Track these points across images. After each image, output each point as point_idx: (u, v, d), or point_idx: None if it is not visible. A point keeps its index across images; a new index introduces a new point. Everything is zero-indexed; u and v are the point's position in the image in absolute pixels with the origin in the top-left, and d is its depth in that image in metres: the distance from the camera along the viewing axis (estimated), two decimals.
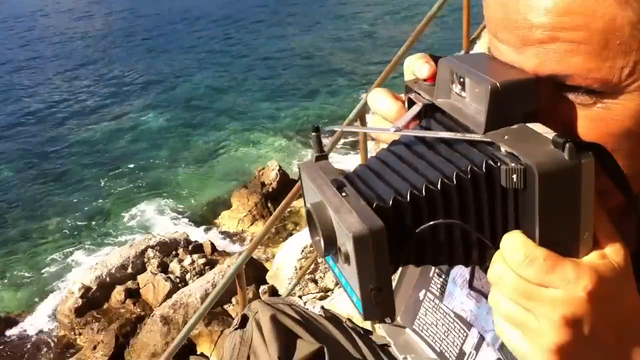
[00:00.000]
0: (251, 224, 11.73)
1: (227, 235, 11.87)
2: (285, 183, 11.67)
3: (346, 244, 0.66)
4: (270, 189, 11.86)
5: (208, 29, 24.73)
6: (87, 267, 10.99)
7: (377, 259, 0.66)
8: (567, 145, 0.65)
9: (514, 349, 0.73)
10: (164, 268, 10.30)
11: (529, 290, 0.68)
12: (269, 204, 11.66)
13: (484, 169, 0.70)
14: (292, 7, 25.33)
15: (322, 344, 1.39)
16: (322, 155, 0.78)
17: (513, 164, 0.68)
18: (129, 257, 10.50)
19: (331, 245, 0.69)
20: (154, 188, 13.95)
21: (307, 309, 1.48)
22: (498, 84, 0.72)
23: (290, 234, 10.02)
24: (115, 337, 9.51)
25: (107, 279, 10.29)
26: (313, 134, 0.78)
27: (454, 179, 0.71)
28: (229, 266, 8.85)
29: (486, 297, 0.99)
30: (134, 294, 10.16)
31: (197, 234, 11.85)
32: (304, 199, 0.79)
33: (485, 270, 0.75)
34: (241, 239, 11.57)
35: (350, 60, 19.37)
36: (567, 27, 0.71)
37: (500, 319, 0.73)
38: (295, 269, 7.96)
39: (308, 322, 1.45)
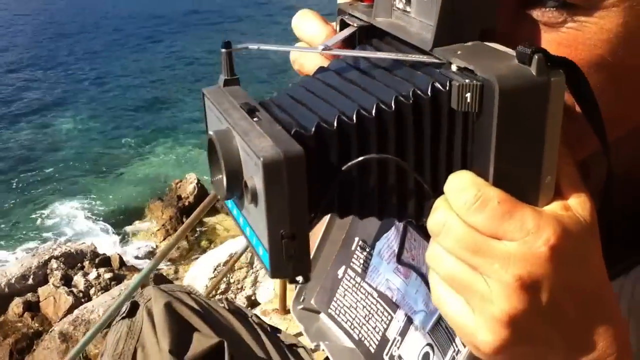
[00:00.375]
0: (164, 239, 11.39)
1: (137, 248, 11.48)
2: (203, 197, 11.36)
3: (254, 177, 0.54)
4: (187, 203, 11.59)
5: (134, 33, 24.28)
6: None
7: (292, 195, 0.53)
8: (536, 57, 0.54)
9: (453, 320, 0.59)
10: (67, 281, 9.82)
11: (477, 243, 0.55)
12: (184, 219, 11.34)
13: (429, 92, 0.58)
14: (225, 13, 25.22)
15: (221, 338, 1.21)
16: (232, 79, 0.65)
17: (467, 80, 0.55)
18: (30, 268, 9.97)
19: (235, 182, 0.57)
20: (67, 193, 13.42)
21: (208, 299, 1.31)
22: None
23: (204, 252, 9.76)
24: (10, 352, 8.95)
25: (6, 290, 9.71)
26: (222, 51, 0.64)
27: (392, 104, 0.59)
28: None
29: (417, 271, 0.84)
30: (33, 307, 9.63)
31: (106, 245, 11.43)
32: (207, 130, 0.65)
33: (421, 228, 0.66)
34: (153, 253, 11.19)
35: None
36: None
37: (440, 283, 0.59)
38: (206, 287, 7.74)
39: (208, 313, 1.27)
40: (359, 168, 0.59)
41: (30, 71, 20.46)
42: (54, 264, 9.88)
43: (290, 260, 0.55)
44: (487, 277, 0.55)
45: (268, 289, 6.75)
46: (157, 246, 11.38)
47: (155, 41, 23.01)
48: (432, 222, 0.57)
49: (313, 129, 0.57)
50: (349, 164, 0.58)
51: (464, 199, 0.55)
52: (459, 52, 0.59)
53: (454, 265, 0.56)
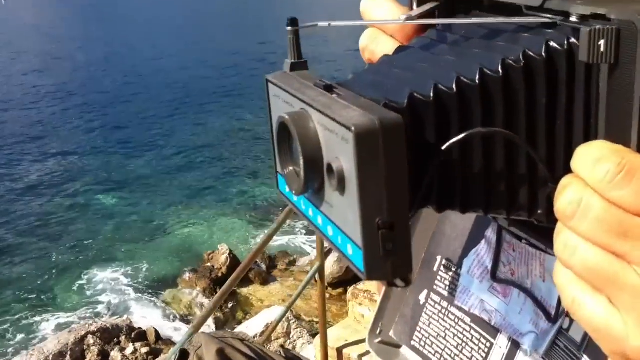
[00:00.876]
0: (199, 310, 11.26)
1: (172, 321, 11.37)
2: (236, 268, 11.29)
3: (341, 157, 0.45)
4: (220, 274, 11.52)
5: (159, 107, 24.76)
6: (24, 354, 10.28)
7: (390, 173, 0.43)
8: None
9: (594, 324, 0.47)
10: (104, 357, 9.74)
11: (624, 223, 0.44)
12: (218, 290, 11.25)
13: (543, 52, 0.50)
14: (249, 87, 25.65)
15: None
16: (300, 63, 0.56)
17: (599, 26, 0.45)
18: (67, 344, 9.89)
19: (315, 169, 0.48)
20: (101, 264, 13.44)
21: (264, 346, 1.20)
22: None
23: (240, 323, 9.65)
24: None
25: None
26: (289, 29, 0.56)
27: (500, 69, 0.50)
28: None
29: (519, 287, 0.73)
30: None
31: (141, 319, 11.32)
32: (270, 119, 0.57)
33: (537, 222, 0.54)
34: (188, 325, 11.05)
35: None
36: None
37: (573, 280, 0.48)
38: None
39: None
40: (461, 147, 0.50)
41: (54, 145, 20.91)
42: (90, 339, 9.81)
43: (388, 257, 0.45)
44: (639, 267, 0.45)
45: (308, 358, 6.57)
46: (191, 318, 11.27)
47: (180, 116, 23.42)
48: (563, 203, 0.47)
49: (406, 101, 0.49)
50: (451, 141, 0.49)
51: (604, 169, 0.45)
52: (578, 2, 0.49)
53: (594, 254, 0.46)
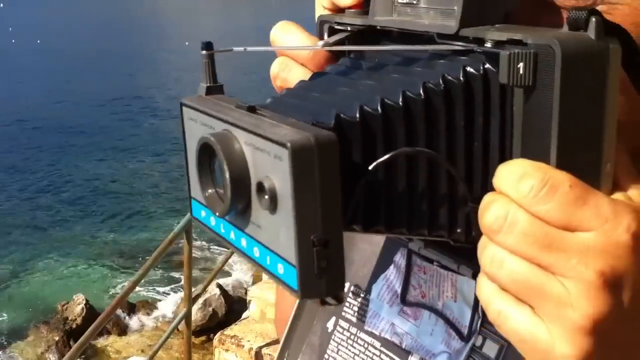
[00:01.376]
0: None
1: None
2: (93, 319, 10.76)
3: (272, 176, 0.45)
4: (75, 325, 10.91)
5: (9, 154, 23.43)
6: None
7: (324, 190, 0.44)
8: (593, 20, 0.48)
9: (521, 335, 0.49)
10: None
11: (548, 236, 0.47)
12: (72, 343, 10.63)
13: (461, 76, 0.53)
14: (105, 131, 24.87)
15: None
16: (216, 87, 0.57)
17: (517, 50, 0.48)
18: None
19: (241, 189, 0.48)
20: None
21: None
22: None
23: None
24: None
25: None
26: (203, 53, 0.56)
27: (421, 92, 0.52)
28: None
29: (430, 309, 0.75)
30: None
31: None
32: (186, 144, 0.56)
33: (454, 241, 0.56)
34: None
35: (168, 188, 19.15)
36: None
37: (498, 293, 0.49)
38: None
39: None
40: (386, 167, 0.51)
41: None
42: None
43: (322, 274, 0.45)
44: (563, 277, 0.47)
45: None
46: None
47: (37, 160, 22.34)
48: (489, 218, 0.48)
49: (333, 122, 0.49)
50: (377, 161, 0.51)
51: (528, 185, 0.47)
52: (492, 29, 0.53)
53: (520, 266, 0.47)
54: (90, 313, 11.04)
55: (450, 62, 0.55)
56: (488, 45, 0.52)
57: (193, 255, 5.69)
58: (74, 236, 15.56)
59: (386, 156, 0.51)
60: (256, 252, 0.50)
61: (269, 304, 5.64)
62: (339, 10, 0.69)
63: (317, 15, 0.72)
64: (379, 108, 0.51)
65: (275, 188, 0.45)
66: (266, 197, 0.46)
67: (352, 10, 0.67)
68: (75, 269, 13.99)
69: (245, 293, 9.58)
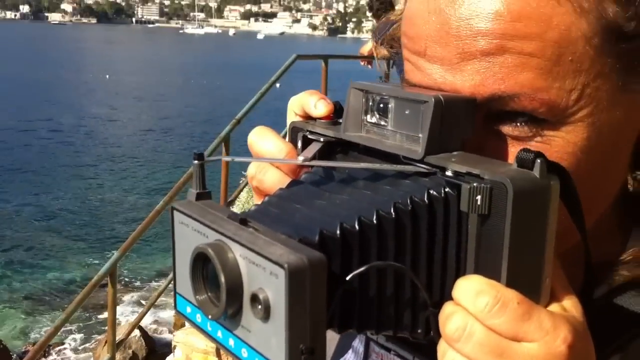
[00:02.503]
0: None
1: None
2: None
3: (267, 289, 0.50)
4: None
5: None
6: None
7: (314, 306, 0.50)
8: (538, 161, 0.57)
9: None
10: None
11: (500, 346, 0.55)
12: None
13: (425, 199, 0.60)
14: (20, 173, 23.94)
15: None
16: (204, 193, 0.62)
17: (475, 183, 0.58)
18: None
19: (234, 297, 0.53)
20: None
21: None
22: (442, 99, 0.62)
23: None
24: None
25: None
26: (195, 162, 0.61)
27: (392, 212, 0.59)
28: None
29: None
30: None
31: None
32: (174, 249, 0.61)
33: (414, 338, 0.64)
34: None
35: (97, 223, 18.63)
36: (519, 35, 0.62)
37: None
38: None
39: None
40: (360, 277, 0.57)
41: None
42: None
43: None
44: None
45: None
46: None
47: None
48: (451, 328, 0.56)
49: (317, 237, 0.55)
50: (354, 273, 0.56)
51: (483, 301, 0.55)
52: (453, 160, 0.61)
53: None
54: (4, 356, 10.60)
55: (415, 182, 0.62)
56: (449, 173, 0.60)
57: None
58: None
59: (361, 269, 0.56)
60: (244, 353, 0.54)
61: (194, 349, 5.66)
62: (310, 117, 0.76)
63: (288, 118, 0.79)
64: (356, 225, 0.57)
65: (269, 300, 0.50)
66: (259, 307, 0.50)
67: (323, 121, 0.74)
68: None
69: (169, 332, 9.44)
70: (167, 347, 7.77)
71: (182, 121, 35.47)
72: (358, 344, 0.84)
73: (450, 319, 0.57)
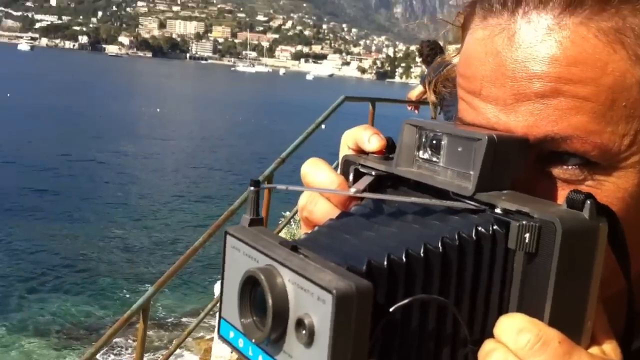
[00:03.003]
0: None
1: None
2: None
3: (312, 314, 0.50)
4: None
5: None
6: None
7: (357, 333, 0.49)
8: (588, 202, 0.57)
9: None
10: None
11: None
12: None
13: (473, 235, 0.60)
14: (62, 203, 24.40)
15: None
16: (257, 219, 0.61)
17: (525, 221, 0.57)
18: None
19: (280, 321, 0.52)
20: None
21: None
22: (495, 137, 0.62)
23: None
24: None
25: None
26: (251, 189, 0.62)
27: (440, 246, 0.59)
28: None
29: None
30: None
31: None
32: (224, 274, 0.61)
33: None
34: None
35: (126, 262, 18.69)
36: (574, 79, 0.63)
37: None
38: None
39: None
40: (403, 309, 0.56)
41: None
42: None
43: None
44: None
45: None
46: None
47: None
48: None
49: (364, 267, 0.54)
50: (398, 304, 0.55)
51: (525, 339, 0.55)
52: (503, 198, 0.61)
53: None
54: None
55: (463, 219, 0.62)
56: (498, 211, 0.61)
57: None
58: (23, 308, 14.92)
59: (405, 301, 0.55)
60: None
61: None
62: (362, 151, 0.76)
63: (341, 152, 0.79)
64: (403, 257, 0.57)
65: (314, 325, 0.49)
66: (304, 332, 0.50)
67: (376, 155, 0.74)
68: (22, 342, 13.44)
69: None
70: None
71: (227, 158, 35.98)
72: None
73: (491, 355, 0.56)
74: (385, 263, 0.56)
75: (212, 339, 7.67)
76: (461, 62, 0.73)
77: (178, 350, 8.91)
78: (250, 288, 0.55)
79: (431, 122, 0.70)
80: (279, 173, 5.93)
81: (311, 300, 0.50)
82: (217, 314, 0.63)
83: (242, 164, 33.91)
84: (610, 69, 0.63)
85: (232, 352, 5.91)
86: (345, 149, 0.79)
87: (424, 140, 0.70)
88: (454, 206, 0.64)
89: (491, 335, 0.58)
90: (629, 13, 0.64)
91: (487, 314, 0.61)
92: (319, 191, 0.74)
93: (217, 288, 8.39)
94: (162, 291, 6.37)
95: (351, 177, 0.75)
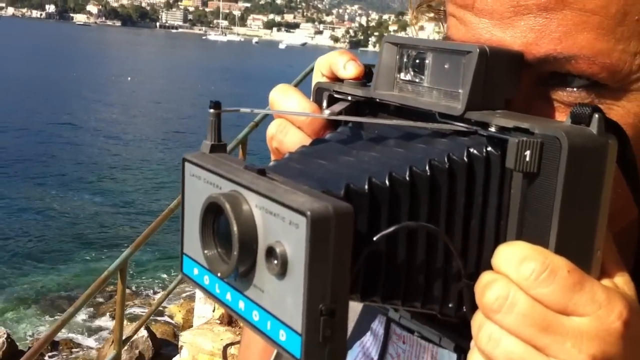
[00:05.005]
0: None
1: None
2: (14, 355, 10.36)
3: (284, 242, 0.45)
4: None
5: None
6: None
7: (337, 261, 0.44)
8: (596, 115, 0.51)
9: None
10: None
11: (546, 319, 0.49)
12: None
13: (465, 157, 0.55)
14: (32, 169, 24.00)
15: None
16: (219, 145, 0.56)
17: (525, 137, 0.52)
18: None
19: (248, 252, 0.47)
20: None
21: None
22: (488, 50, 0.56)
23: None
24: None
25: None
26: (211, 111, 0.56)
27: (427, 169, 0.54)
28: None
29: None
30: None
31: None
32: (184, 205, 0.56)
33: (442, 315, 0.57)
34: None
35: (109, 223, 18.58)
36: None
37: None
38: None
39: None
40: (388, 239, 0.52)
41: None
42: None
43: (326, 343, 0.45)
44: (557, 358, 0.49)
45: None
46: None
47: None
48: (490, 297, 0.50)
49: (342, 191, 0.50)
50: (382, 233, 0.51)
51: (529, 268, 0.49)
52: (497, 115, 0.55)
53: (516, 346, 0.49)
54: (11, 348, 10.63)
55: (453, 141, 0.57)
56: (492, 129, 0.55)
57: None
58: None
59: (391, 229, 0.51)
60: (255, 315, 0.49)
61: (200, 351, 5.60)
62: (337, 79, 0.71)
63: (314, 80, 0.73)
64: (386, 181, 0.52)
65: (286, 254, 0.45)
66: (275, 262, 0.45)
67: (351, 80, 0.69)
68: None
69: (174, 336, 9.40)
70: (174, 349, 7.71)
71: (199, 124, 35.70)
72: (378, 325, 0.78)
73: (490, 287, 0.50)
74: (366, 187, 0.51)
75: (193, 299, 7.64)
76: None
77: (160, 310, 8.95)
78: (213, 217, 0.51)
79: (413, 39, 0.64)
80: (252, 137, 5.89)
81: (282, 226, 0.45)
82: (179, 250, 0.57)
83: None
84: None
85: (213, 310, 5.92)
86: (318, 76, 0.73)
87: (405, 60, 0.63)
88: (441, 129, 0.59)
89: (488, 268, 0.53)
90: None
91: (482, 244, 0.56)
92: (289, 114, 0.68)
93: None
94: (140, 252, 6.30)
95: (325, 105, 0.70)
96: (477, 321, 0.51)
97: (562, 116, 0.60)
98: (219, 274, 0.51)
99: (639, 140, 0.59)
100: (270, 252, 0.46)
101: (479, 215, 0.56)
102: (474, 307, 0.52)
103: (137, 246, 5.33)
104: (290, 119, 0.70)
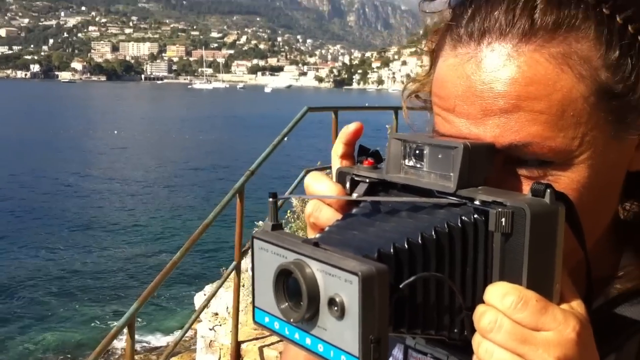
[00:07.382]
0: None
1: None
2: None
3: (343, 293, 0.62)
4: None
5: None
6: None
7: (380, 304, 0.61)
8: (548, 190, 0.69)
9: None
10: None
11: (524, 334, 0.67)
12: None
13: (459, 224, 0.73)
14: (40, 226, 23.71)
15: None
16: (278, 225, 0.73)
17: (500, 208, 0.70)
18: None
19: (313, 303, 0.64)
20: None
21: None
22: (469, 145, 0.75)
23: None
24: None
25: None
26: (270, 200, 0.74)
27: (434, 234, 0.72)
28: None
29: None
30: None
31: None
32: (254, 271, 0.72)
33: (450, 339, 0.75)
34: None
35: (111, 280, 18.41)
36: (531, 97, 0.76)
37: None
38: None
39: None
40: (409, 286, 0.69)
41: None
42: None
43: None
44: None
45: None
46: None
47: None
48: (484, 322, 0.68)
49: (376, 255, 0.67)
50: (405, 282, 0.68)
51: (509, 300, 0.68)
52: (479, 192, 0.74)
53: (505, 355, 0.67)
54: None
55: (449, 212, 0.75)
56: (477, 203, 0.73)
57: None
58: (5, 338, 14.43)
59: (411, 279, 0.68)
60: (320, 347, 0.65)
61: None
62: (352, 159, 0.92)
63: (333, 163, 0.92)
64: (405, 245, 0.70)
65: (344, 302, 0.61)
66: (335, 308, 0.62)
67: (365, 165, 0.87)
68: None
69: None
70: None
71: (194, 175, 35.53)
72: (397, 352, 0.98)
73: (484, 315, 0.69)
74: (392, 250, 0.69)
75: (194, 351, 7.53)
76: (436, 83, 0.85)
77: None
78: (283, 279, 0.67)
79: (414, 135, 0.83)
80: (249, 184, 6.09)
81: (339, 283, 0.61)
82: (251, 304, 0.74)
83: (209, 179, 33.72)
84: (559, 86, 0.76)
85: None
86: (336, 160, 0.92)
87: (408, 150, 0.82)
88: (439, 202, 0.77)
89: (481, 301, 0.71)
90: (574, 40, 0.77)
91: (475, 285, 0.74)
92: (326, 198, 0.87)
93: (197, 299, 8.46)
94: (146, 306, 6.34)
95: (348, 185, 0.87)
96: (476, 340, 0.70)
97: (525, 186, 0.79)
98: (291, 320, 0.67)
99: (582, 201, 0.78)
100: (332, 302, 0.62)
101: (472, 264, 0.73)
102: (473, 331, 0.71)
103: (144, 300, 5.29)
104: (323, 200, 0.87)
